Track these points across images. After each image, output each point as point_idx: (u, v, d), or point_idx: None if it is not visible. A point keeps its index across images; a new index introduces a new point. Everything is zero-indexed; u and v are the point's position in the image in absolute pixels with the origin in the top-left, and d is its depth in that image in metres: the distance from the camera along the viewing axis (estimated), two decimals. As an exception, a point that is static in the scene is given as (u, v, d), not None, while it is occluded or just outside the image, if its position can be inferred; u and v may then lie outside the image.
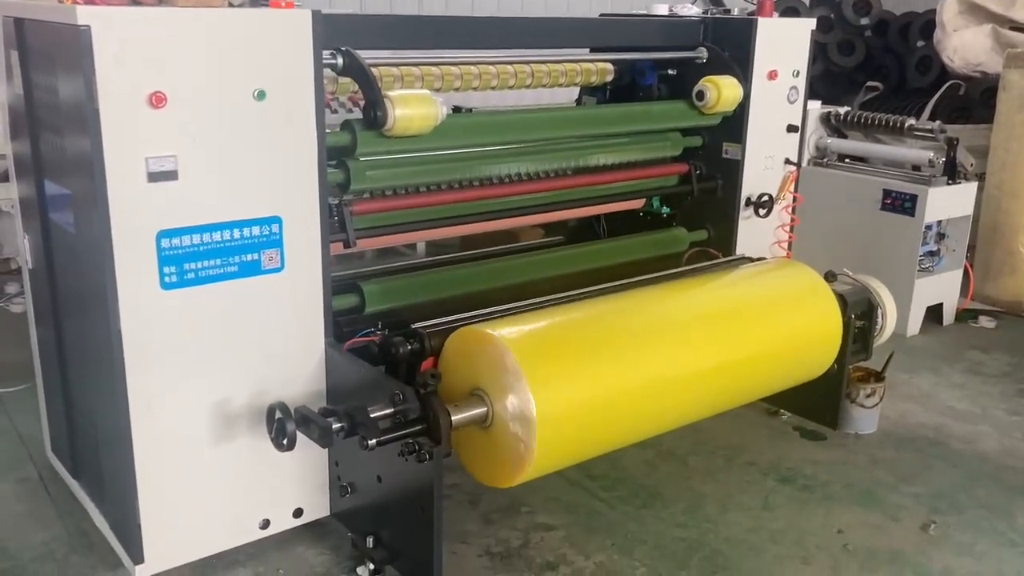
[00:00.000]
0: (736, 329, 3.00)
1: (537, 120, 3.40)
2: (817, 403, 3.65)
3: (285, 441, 2.47)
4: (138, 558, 2.61)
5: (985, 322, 5.10)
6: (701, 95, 3.60)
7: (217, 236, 2.53)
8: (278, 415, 2.49)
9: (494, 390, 2.57)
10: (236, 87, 2.46)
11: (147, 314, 2.46)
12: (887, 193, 4.85)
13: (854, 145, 5.17)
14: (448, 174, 3.16)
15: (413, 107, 2.75)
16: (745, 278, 3.29)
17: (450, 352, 2.72)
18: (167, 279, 2.47)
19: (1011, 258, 5.22)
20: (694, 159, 3.87)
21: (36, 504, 3.14)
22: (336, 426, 2.45)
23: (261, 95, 2.50)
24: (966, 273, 5.12)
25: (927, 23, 6.72)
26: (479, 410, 2.59)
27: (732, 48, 3.71)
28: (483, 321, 2.85)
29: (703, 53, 3.74)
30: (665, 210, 4.04)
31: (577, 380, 2.62)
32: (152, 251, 2.43)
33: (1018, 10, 6.12)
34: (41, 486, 3.24)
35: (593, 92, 4.11)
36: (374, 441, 2.40)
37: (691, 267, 3.54)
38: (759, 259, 3.68)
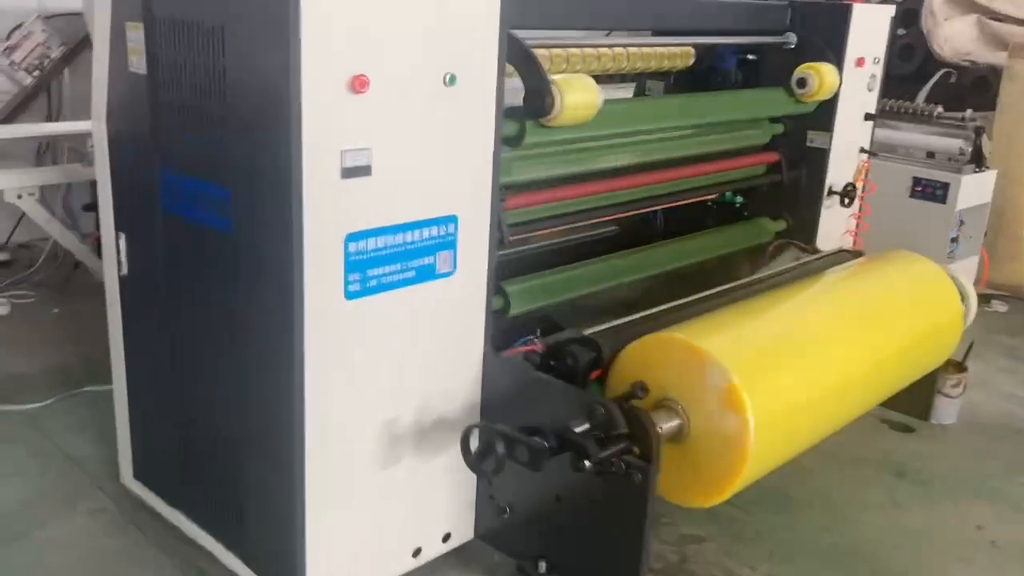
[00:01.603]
0: (890, 324, 2.93)
1: (669, 107, 3.24)
2: (909, 394, 3.62)
3: (493, 466, 2.23)
4: (298, 596, 2.32)
5: (998, 306, 5.25)
6: (803, 82, 3.48)
7: (400, 238, 2.25)
8: (485, 436, 2.24)
9: (692, 400, 2.40)
10: (430, 70, 2.18)
11: (330, 327, 2.16)
12: (917, 181, 4.89)
13: (887, 134, 5.19)
14: (582, 164, 2.94)
15: (580, 94, 2.52)
16: (881, 272, 3.22)
17: (630, 361, 2.52)
18: (351, 287, 2.18)
19: (1016, 243, 5.38)
20: (779, 148, 3.77)
21: (127, 541, 2.76)
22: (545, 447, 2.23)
23: (452, 80, 2.22)
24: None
25: (907, 11, 6.86)
26: (675, 422, 2.41)
27: (823, 34, 3.62)
28: (641, 325, 2.69)
29: (792, 38, 3.63)
30: (738, 200, 3.93)
31: (780, 382, 2.48)
32: (340, 257, 2.13)
33: (1000, 2, 6.29)
34: (123, 517, 2.86)
35: (660, 78, 3.95)
36: (589, 463, 2.19)
37: (806, 260, 3.44)
38: (847, 250, 3.62)
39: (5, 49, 5.13)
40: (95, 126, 2.58)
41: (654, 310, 2.80)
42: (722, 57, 3.81)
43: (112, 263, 2.68)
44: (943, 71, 6.26)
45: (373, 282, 2.22)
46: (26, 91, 5.24)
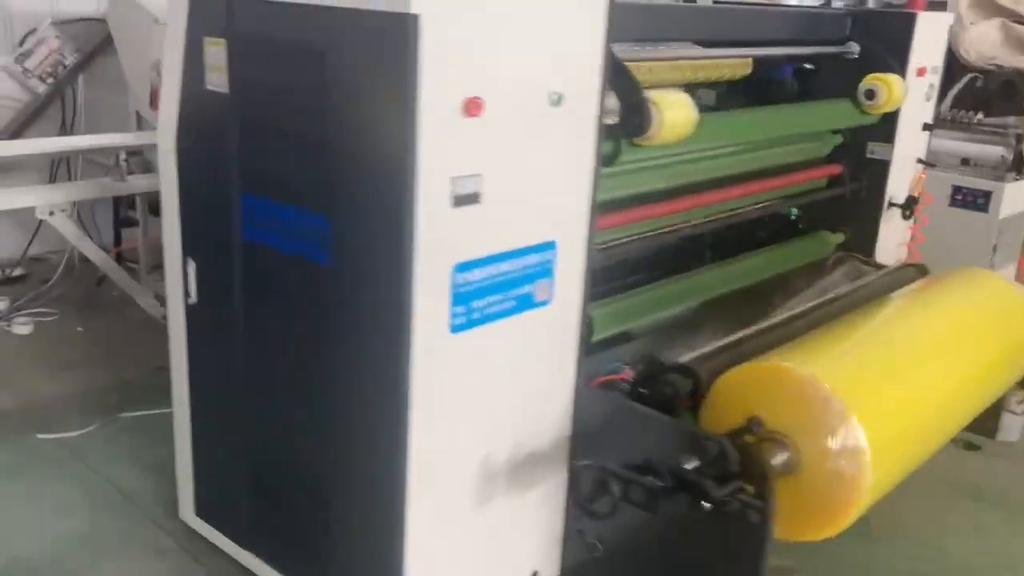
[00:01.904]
0: (977, 343, 2.84)
1: (751, 121, 3.13)
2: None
3: (607, 508, 2.11)
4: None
5: (1034, 314, 5.18)
6: (872, 94, 3.39)
7: (503, 267, 2.13)
8: (598, 476, 2.12)
9: (803, 433, 2.28)
10: (537, 90, 2.06)
11: (434, 362, 2.03)
12: (957, 189, 4.81)
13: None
14: (660, 182, 2.83)
15: (679, 111, 2.41)
16: (961, 291, 3.12)
17: (729, 391, 2.41)
18: (456, 320, 2.05)
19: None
20: (840, 159, 3.68)
21: (196, 582, 2.63)
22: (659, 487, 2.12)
23: (559, 100, 2.10)
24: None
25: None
26: (784, 456, 2.30)
27: (886, 43, 3.53)
28: (732, 350, 2.59)
29: (854, 48, 3.53)
30: (794, 212, 3.83)
31: (888, 410, 2.38)
32: (446, 288, 2.01)
33: (1021, 4, 6.24)
34: (186, 558, 2.71)
35: (712, 87, 3.84)
36: (708, 504, 2.08)
37: (877, 276, 3.35)
38: (913, 265, 3.53)
39: (19, 56, 4.95)
40: (163, 146, 2.43)
41: (741, 334, 2.69)
42: (778, 67, 3.71)
43: (177, 290, 2.53)
44: (969, 76, 6.19)
45: (476, 314, 2.10)
46: (40, 99, 5.07)
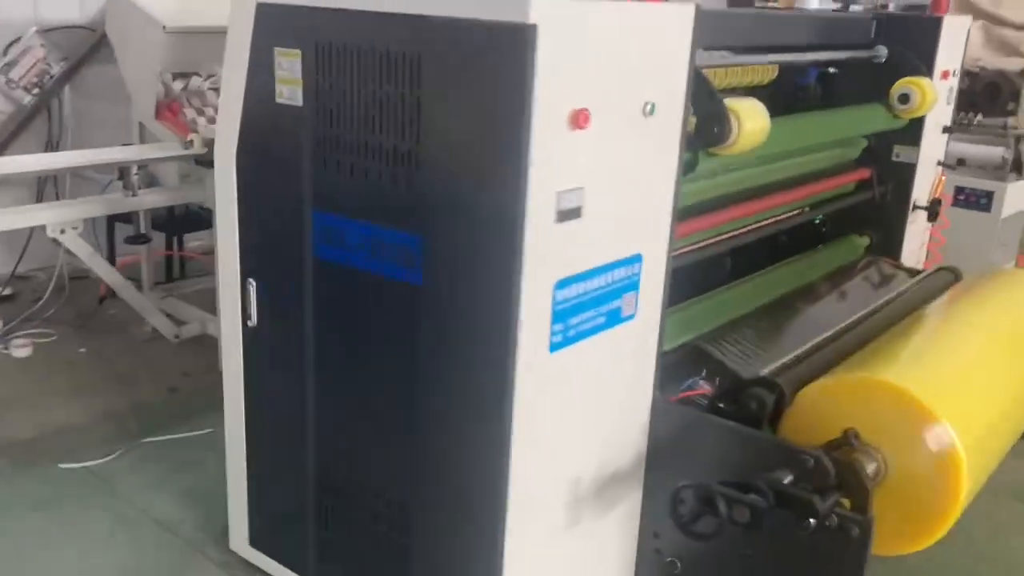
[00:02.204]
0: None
1: (801, 127, 3.11)
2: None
3: (712, 528, 2.05)
4: None
5: (1033, 311, 5.27)
6: (906, 98, 3.39)
7: (597, 282, 2.06)
8: (703, 496, 2.06)
9: (892, 443, 2.25)
10: (633, 100, 2.00)
11: (533, 383, 1.96)
12: (960, 190, 4.87)
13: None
14: (718, 191, 2.79)
15: (758, 120, 2.37)
16: (1006, 289, 3.13)
17: (813, 403, 2.37)
18: (555, 338, 1.98)
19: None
20: (868, 163, 3.68)
21: (253, 615, 2.52)
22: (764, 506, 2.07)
23: (652, 109, 2.04)
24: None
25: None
26: (872, 467, 2.27)
27: (913, 46, 3.54)
28: (804, 361, 2.56)
29: (882, 52, 3.54)
30: (818, 217, 3.83)
31: (973, 417, 2.35)
32: (548, 306, 1.94)
33: (1005, 9, 6.36)
34: (242, 589, 2.61)
35: (733, 93, 3.81)
36: (815, 521, 2.04)
37: (917, 280, 3.35)
38: (946, 268, 3.55)
39: (3, 66, 4.75)
40: (220, 160, 2.32)
41: (811, 344, 2.66)
42: (803, 71, 3.70)
43: (232, 312, 2.42)
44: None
45: (572, 332, 2.03)
46: (25, 111, 4.86)
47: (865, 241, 3.74)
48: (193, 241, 5.07)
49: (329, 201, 2.13)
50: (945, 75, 3.64)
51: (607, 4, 1.87)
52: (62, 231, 3.44)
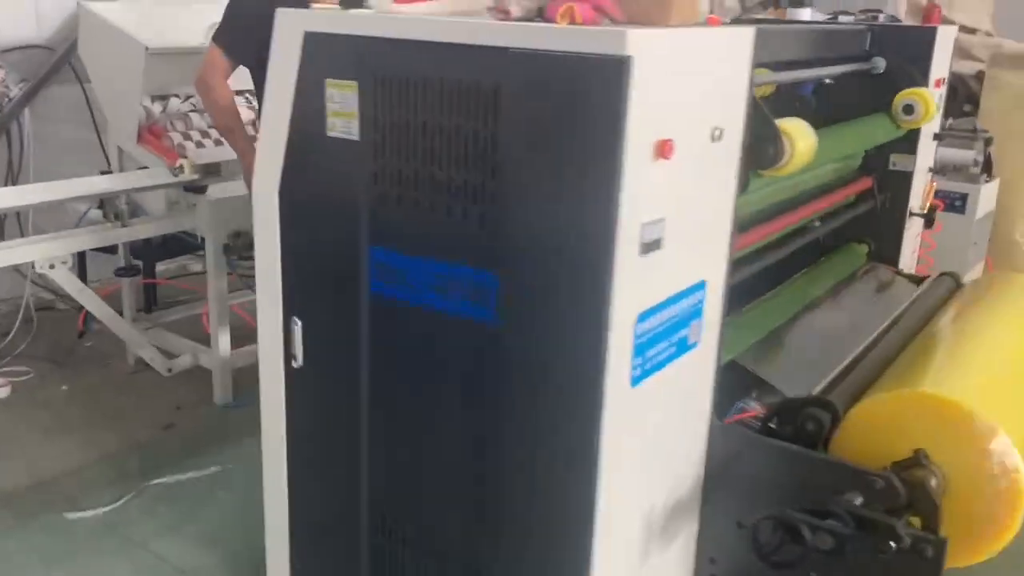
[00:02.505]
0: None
1: (832, 141, 3.09)
2: None
3: (797, 555, 2.03)
4: None
5: (1003, 309, 5.43)
6: (911, 109, 3.44)
7: (670, 312, 2.03)
8: (785, 525, 2.04)
9: (951, 454, 2.26)
10: (705, 126, 1.97)
11: (615, 420, 1.91)
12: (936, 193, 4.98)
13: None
14: (750, 208, 2.78)
15: (809, 139, 2.37)
16: (1017, 294, 3.19)
17: (862, 422, 2.37)
18: (635, 372, 1.94)
19: (1012, 248, 5.58)
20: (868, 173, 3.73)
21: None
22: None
23: (719, 135, 2.01)
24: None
25: (863, 22, 7.05)
26: (934, 482, 2.28)
27: (907, 57, 3.59)
28: (842, 378, 2.56)
29: (880, 63, 3.58)
30: (815, 224, 3.86)
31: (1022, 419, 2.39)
32: (630, 340, 1.89)
33: (955, 12, 6.54)
34: (285, 640, 2.49)
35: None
36: (897, 544, 2.03)
37: (924, 288, 3.40)
38: (948, 274, 3.61)
39: (-41, 91, 4.52)
40: (261, 196, 2.21)
41: (848, 359, 2.67)
42: (800, 83, 3.73)
43: (273, 352, 2.31)
44: (914, 81, 6.44)
45: (648, 364, 1.99)
46: (-16, 136, 4.64)
47: (864, 249, 3.79)
48: (159, 266, 4.89)
49: (388, 237, 2.05)
50: (938, 84, 3.71)
51: (687, 30, 1.83)
52: (51, 266, 3.27)
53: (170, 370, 3.88)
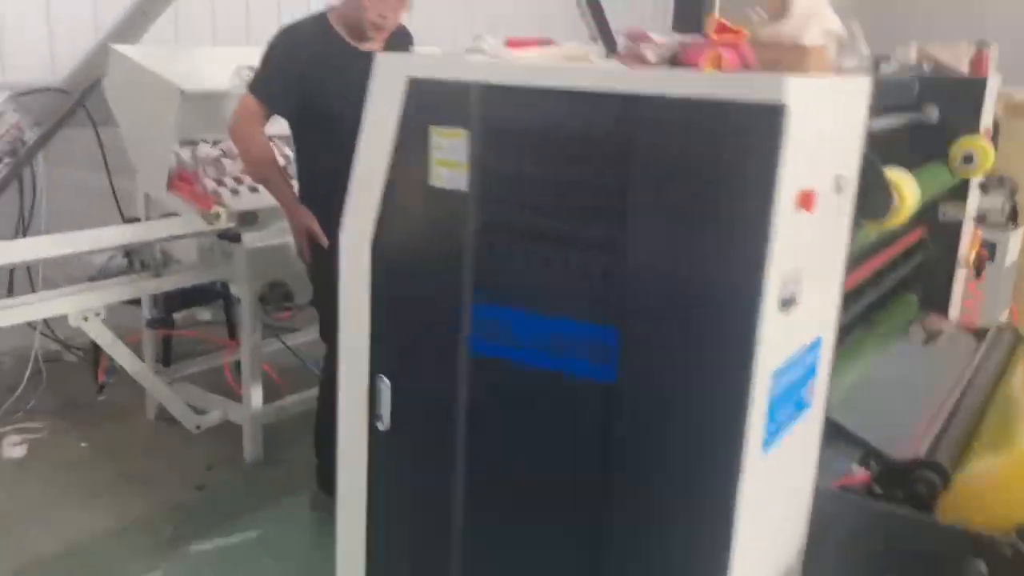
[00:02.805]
0: None
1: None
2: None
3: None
4: None
5: (1027, 357, 5.39)
6: (970, 158, 3.40)
7: (796, 372, 1.92)
8: None
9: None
10: (831, 176, 1.88)
11: (752, 490, 1.79)
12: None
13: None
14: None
15: (914, 190, 2.30)
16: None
17: (971, 485, 2.27)
18: (767, 434, 1.82)
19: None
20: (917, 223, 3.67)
21: None
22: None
23: (842, 185, 1.93)
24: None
25: (870, 72, 7.10)
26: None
27: (958, 108, 3.57)
28: (941, 438, 2.47)
29: (934, 114, 3.55)
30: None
31: None
32: (765, 401, 1.78)
33: (939, 51, 6.59)
34: None
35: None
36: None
37: (988, 344, 3.32)
38: (1006, 326, 3.55)
39: (-28, 136, 4.35)
40: (350, 248, 2.09)
41: (942, 419, 2.57)
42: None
43: (356, 413, 2.17)
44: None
45: (776, 426, 1.88)
46: (-2, 183, 4.46)
47: (915, 298, 3.73)
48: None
49: (494, 291, 1.93)
50: (988, 133, 3.69)
51: (826, 79, 1.75)
52: (85, 318, 3.11)
53: (199, 427, 3.70)
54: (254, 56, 4.25)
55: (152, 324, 3.89)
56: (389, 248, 2.05)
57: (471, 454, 2.04)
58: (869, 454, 2.40)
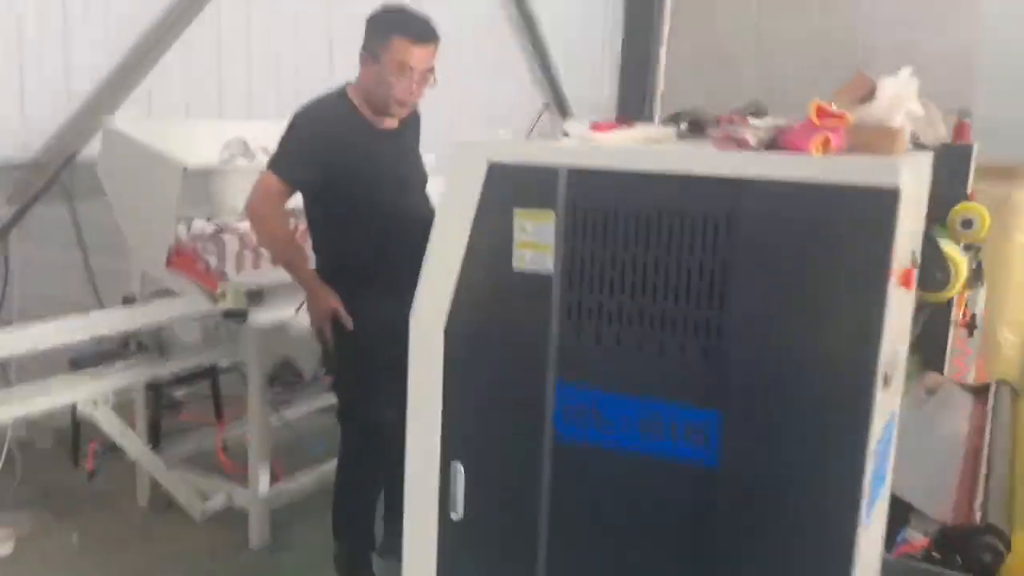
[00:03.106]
0: None
1: None
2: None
3: None
4: None
5: (997, 409, 5.55)
6: (969, 223, 3.50)
7: (884, 447, 1.93)
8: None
9: None
10: (909, 252, 1.92)
11: (859, 568, 1.78)
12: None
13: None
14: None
15: (965, 263, 2.36)
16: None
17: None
18: (867, 511, 1.82)
19: (997, 349, 5.77)
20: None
21: None
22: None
23: (918, 259, 1.97)
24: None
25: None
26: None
27: (949, 174, 3.70)
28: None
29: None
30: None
31: None
32: (869, 482, 1.78)
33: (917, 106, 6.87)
34: None
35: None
36: None
37: (992, 395, 3.40)
38: (1005, 382, 3.65)
39: (-56, 214, 4.17)
40: (422, 331, 2.03)
41: (981, 483, 2.61)
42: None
43: (425, 500, 2.10)
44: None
45: (868, 503, 1.87)
46: (-31, 261, 4.27)
47: (918, 359, 3.81)
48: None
49: (582, 374, 1.90)
50: (972, 196, 3.83)
51: (913, 158, 1.80)
52: (95, 404, 2.97)
53: (203, 513, 3.54)
54: (244, 129, 4.21)
55: (162, 406, 3.73)
56: (465, 331, 2.01)
57: (554, 542, 1.98)
58: (924, 520, 2.42)
